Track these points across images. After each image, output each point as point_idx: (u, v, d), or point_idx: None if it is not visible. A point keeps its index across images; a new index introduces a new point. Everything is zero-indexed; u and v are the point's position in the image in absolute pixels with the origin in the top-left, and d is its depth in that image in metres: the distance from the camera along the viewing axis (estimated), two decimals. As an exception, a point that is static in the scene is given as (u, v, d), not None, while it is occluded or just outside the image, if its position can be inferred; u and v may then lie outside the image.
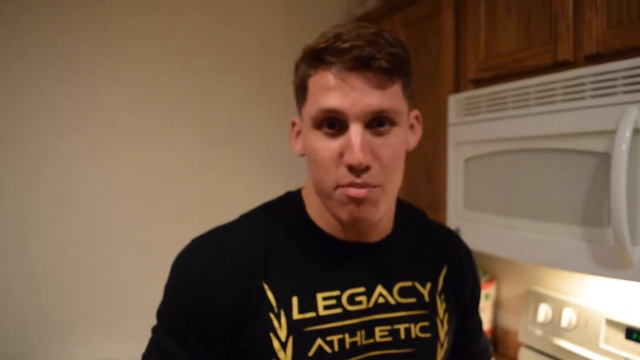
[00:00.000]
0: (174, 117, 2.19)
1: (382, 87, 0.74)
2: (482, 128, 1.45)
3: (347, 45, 0.71)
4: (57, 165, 1.96)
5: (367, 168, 0.73)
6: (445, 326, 0.92)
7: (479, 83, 1.57)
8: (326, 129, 0.75)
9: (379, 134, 0.75)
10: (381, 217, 0.84)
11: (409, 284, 0.89)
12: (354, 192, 0.74)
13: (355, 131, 0.72)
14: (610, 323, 1.47)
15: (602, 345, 1.47)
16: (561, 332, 1.61)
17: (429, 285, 0.92)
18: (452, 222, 1.60)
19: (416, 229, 0.98)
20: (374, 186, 0.75)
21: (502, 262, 1.97)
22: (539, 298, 1.71)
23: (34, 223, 1.92)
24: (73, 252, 1.98)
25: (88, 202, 2.01)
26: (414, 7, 1.89)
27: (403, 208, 0.96)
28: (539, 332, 1.68)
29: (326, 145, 0.75)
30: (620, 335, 1.43)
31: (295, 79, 0.81)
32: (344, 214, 0.77)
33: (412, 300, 0.88)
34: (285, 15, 2.34)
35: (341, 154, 0.74)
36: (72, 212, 1.98)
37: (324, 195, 0.79)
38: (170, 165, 2.18)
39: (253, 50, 2.26)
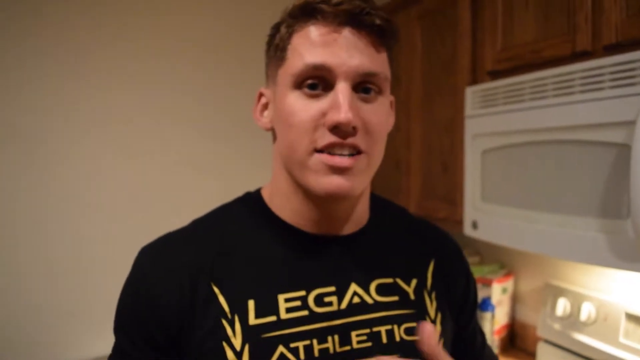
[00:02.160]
0: (189, 112, 2.21)
1: (374, 47, 0.69)
2: (500, 120, 1.44)
3: None
4: (73, 162, 1.99)
5: (354, 129, 0.67)
6: (438, 327, 0.80)
7: (495, 74, 1.56)
8: (308, 89, 0.68)
9: (365, 100, 0.69)
10: (358, 201, 0.78)
11: (389, 280, 0.79)
12: (338, 160, 0.67)
13: (343, 89, 0.66)
14: (630, 317, 1.45)
15: (622, 339, 1.45)
16: (580, 326, 1.59)
17: (414, 281, 0.81)
18: (469, 215, 1.59)
19: (396, 222, 0.88)
20: (360, 152, 0.69)
21: (520, 256, 1.95)
22: (558, 292, 1.70)
23: (51, 219, 1.95)
24: (92, 248, 2.01)
25: (104, 198, 2.04)
26: (430, -2, 1.87)
27: (380, 201, 0.89)
28: (557, 326, 1.67)
29: (307, 106, 0.68)
30: (641, 330, 1.41)
31: (273, 40, 0.74)
32: (321, 186, 0.68)
33: (394, 298, 0.77)
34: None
35: (323, 115, 0.67)
36: (89, 208, 2.02)
37: (298, 164, 0.70)
38: (186, 160, 2.20)
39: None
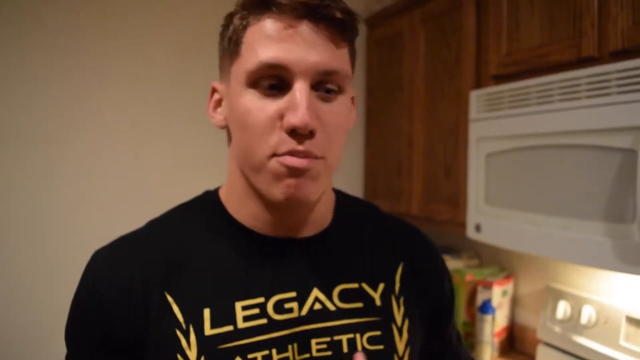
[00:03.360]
0: (189, 113, 2.21)
1: (334, 43, 0.64)
2: (504, 124, 1.45)
3: None
4: (72, 161, 1.98)
5: (311, 134, 0.62)
6: (405, 335, 0.76)
7: (500, 79, 1.57)
8: (265, 89, 0.63)
9: (325, 100, 0.65)
10: (317, 202, 0.74)
11: (354, 285, 0.74)
12: (294, 161, 0.62)
13: (301, 89, 0.62)
14: (631, 320, 1.46)
15: (623, 342, 1.46)
16: (580, 329, 1.60)
17: (381, 286, 0.77)
18: (472, 218, 1.61)
19: (363, 222, 0.83)
20: (317, 157, 0.64)
21: (520, 259, 1.96)
22: (558, 295, 1.71)
23: (49, 218, 1.94)
24: (91, 249, 2.00)
25: (104, 197, 2.04)
26: (434, 1, 1.88)
27: (344, 198, 0.84)
28: (557, 329, 1.68)
29: (262, 106, 0.63)
30: (642, 333, 1.43)
31: (226, 31, 0.69)
32: (278, 190, 0.64)
33: (358, 305, 0.73)
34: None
35: (280, 117, 0.62)
36: (88, 207, 2.01)
37: (253, 169, 0.66)
38: (189, 160, 2.20)
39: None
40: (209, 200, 0.78)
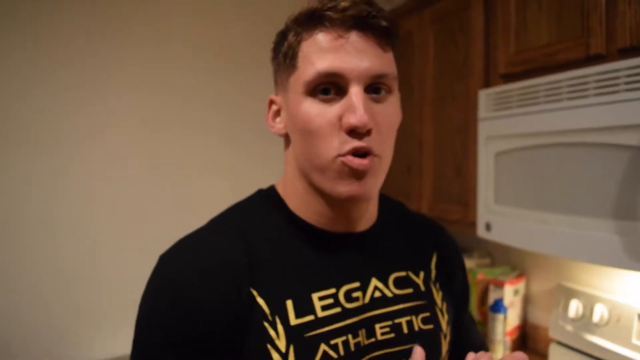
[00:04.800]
0: (202, 115, 2.23)
1: (381, 48, 0.71)
2: (513, 122, 1.45)
3: (346, 3, 0.68)
4: (84, 164, 2.01)
5: (368, 133, 0.69)
6: (446, 316, 0.86)
7: (508, 78, 1.57)
8: (322, 95, 0.69)
9: (377, 101, 0.71)
10: (372, 200, 0.81)
11: (403, 274, 0.83)
12: (356, 162, 0.68)
13: (357, 93, 0.68)
14: (644, 318, 1.46)
15: (635, 341, 1.46)
16: (592, 327, 1.60)
17: (422, 274, 0.86)
18: (482, 217, 1.61)
19: (399, 217, 0.92)
20: (375, 155, 0.70)
21: (532, 257, 1.96)
22: (570, 293, 1.70)
23: (60, 220, 1.97)
24: (100, 249, 2.04)
25: (114, 200, 2.07)
26: (442, 2, 1.88)
27: (382, 196, 0.90)
28: (569, 327, 1.67)
29: (322, 111, 0.69)
30: (654, 331, 1.42)
31: (281, 47, 0.75)
32: (343, 188, 0.70)
33: (409, 291, 0.82)
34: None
35: (339, 119, 0.69)
36: (99, 210, 2.04)
37: (318, 169, 0.72)
38: (198, 162, 2.22)
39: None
40: (269, 198, 0.82)
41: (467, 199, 1.76)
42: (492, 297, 1.89)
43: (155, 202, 2.15)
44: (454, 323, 0.91)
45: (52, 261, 1.95)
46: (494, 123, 1.54)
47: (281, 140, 0.82)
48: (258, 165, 2.28)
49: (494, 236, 1.55)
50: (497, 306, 1.82)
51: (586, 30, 1.30)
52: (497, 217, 1.54)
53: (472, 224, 1.69)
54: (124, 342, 2.13)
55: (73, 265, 1.98)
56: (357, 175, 0.70)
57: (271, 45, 0.79)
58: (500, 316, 1.81)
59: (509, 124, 1.47)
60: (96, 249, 2.03)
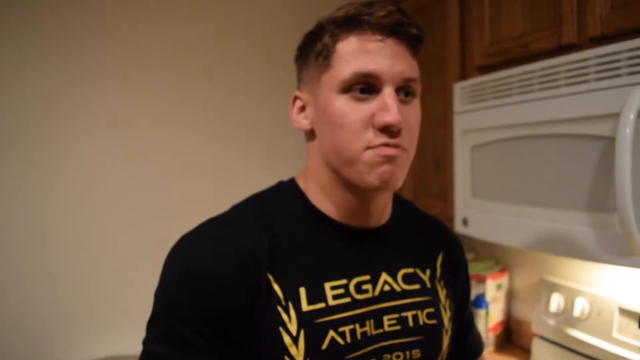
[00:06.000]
0: (187, 114, 2.20)
1: (411, 55, 0.77)
2: (487, 115, 1.42)
3: (383, 12, 0.73)
4: (74, 164, 1.98)
5: (399, 131, 0.73)
6: (448, 312, 0.91)
7: (484, 69, 1.55)
8: (357, 94, 0.74)
9: (404, 103, 0.76)
10: (391, 195, 0.86)
11: (411, 270, 0.87)
12: (387, 150, 0.73)
13: (390, 93, 0.73)
14: (624, 312, 1.43)
15: (616, 334, 1.44)
16: (574, 321, 1.58)
17: (428, 271, 0.90)
18: (460, 212, 1.58)
19: (410, 216, 0.97)
20: (404, 149, 0.75)
21: (515, 252, 1.93)
22: (552, 287, 1.68)
23: (52, 220, 1.95)
24: (91, 250, 2.01)
25: (105, 200, 2.04)
26: (420, -7, 1.86)
27: (395, 195, 0.94)
28: (551, 322, 1.65)
29: (355, 109, 0.74)
30: (634, 325, 1.40)
31: (313, 47, 0.80)
32: (373, 177, 0.74)
33: (416, 286, 0.87)
34: (299, 10, 2.32)
35: (371, 117, 0.73)
36: (89, 210, 2.01)
37: (347, 162, 0.75)
38: (185, 162, 2.20)
39: (267, 45, 2.24)
40: (290, 190, 0.86)
41: (446, 194, 1.74)
42: (473, 293, 1.87)
43: (144, 203, 2.13)
44: (455, 319, 0.95)
45: (39, 261, 1.92)
46: (469, 116, 1.51)
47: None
48: (246, 164, 2.26)
49: (471, 231, 1.53)
50: (479, 301, 1.80)
51: (558, 19, 1.28)
52: (474, 212, 1.51)
53: (451, 219, 1.67)
54: (115, 343, 2.13)
55: (60, 265, 1.96)
56: (389, 161, 0.73)
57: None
58: (482, 312, 1.79)
59: (484, 117, 1.44)
60: (83, 249, 2.00)
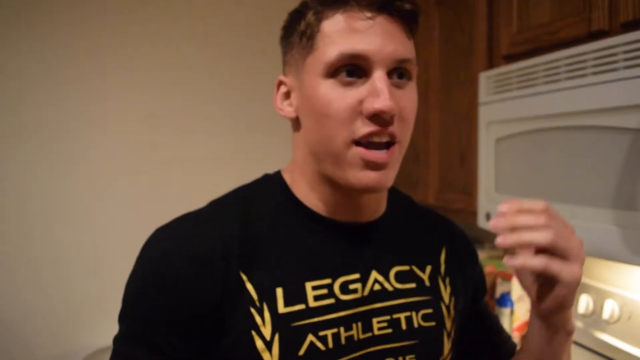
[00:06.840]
0: (204, 112, 2.23)
1: (405, 33, 0.69)
2: (512, 106, 1.36)
3: None
4: (91, 156, 2.03)
5: (391, 119, 0.65)
6: (452, 312, 0.82)
7: (511, 58, 1.48)
8: (344, 77, 0.66)
9: (398, 86, 0.68)
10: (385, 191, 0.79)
11: (406, 268, 0.79)
12: (374, 155, 0.66)
13: (381, 77, 0.65)
14: (656, 316, 1.36)
15: (647, 339, 1.36)
16: (603, 324, 1.50)
17: (429, 268, 0.82)
18: (483, 206, 1.53)
19: (407, 210, 0.89)
20: (395, 142, 0.68)
21: (544, 250, 1.86)
22: (580, 288, 1.60)
23: (67, 213, 2.00)
24: (104, 241, 2.06)
25: (119, 193, 2.09)
26: (447, -18, 1.80)
27: (390, 188, 0.84)
28: (579, 324, 1.58)
29: (342, 95, 0.66)
30: (666, 329, 1.32)
31: (296, 26, 0.71)
32: (356, 180, 0.67)
33: (412, 285, 0.78)
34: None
35: (360, 103, 0.65)
36: (105, 203, 2.06)
37: (331, 157, 0.68)
38: (199, 157, 2.22)
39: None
40: (275, 183, 0.79)
41: (471, 189, 1.68)
42: (499, 291, 1.81)
43: (161, 194, 2.16)
44: (470, 314, 0.89)
45: (53, 252, 1.97)
46: (494, 107, 1.45)
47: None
48: (260, 156, 2.26)
49: (494, 227, 1.47)
50: (504, 300, 1.74)
51: (588, 5, 1.21)
52: (497, 207, 1.45)
53: (474, 214, 1.61)
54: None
55: (72, 256, 2.00)
56: (374, 168, 0.67)
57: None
58: (506, 310, 1.73)
59: (509, 108, 1.38)
60: (101, 239, 2.05)
